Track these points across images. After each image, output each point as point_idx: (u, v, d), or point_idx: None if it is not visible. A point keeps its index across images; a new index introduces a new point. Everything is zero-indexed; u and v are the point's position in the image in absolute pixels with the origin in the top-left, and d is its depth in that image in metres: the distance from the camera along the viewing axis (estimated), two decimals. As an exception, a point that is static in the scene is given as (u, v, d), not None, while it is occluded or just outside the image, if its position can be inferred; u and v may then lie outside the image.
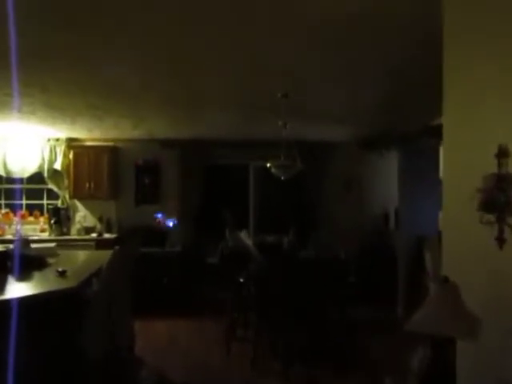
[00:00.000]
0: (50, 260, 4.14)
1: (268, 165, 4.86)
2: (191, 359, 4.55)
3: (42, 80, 3.96)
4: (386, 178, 7.00)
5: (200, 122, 5.79)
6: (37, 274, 3.58)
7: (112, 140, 6.76)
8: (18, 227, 6.51)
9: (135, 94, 4.46)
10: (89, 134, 6.44)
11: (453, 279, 2.20)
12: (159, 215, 6.71)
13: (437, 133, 5.59)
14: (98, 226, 6.68)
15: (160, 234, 6.51)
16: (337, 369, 4.27)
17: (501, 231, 2.37)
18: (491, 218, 2.37)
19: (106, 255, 4.15)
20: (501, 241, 2.38)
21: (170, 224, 6.66)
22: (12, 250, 3.89)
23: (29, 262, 3.72)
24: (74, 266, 4.01)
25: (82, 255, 4.72)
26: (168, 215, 6.74)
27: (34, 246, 4.54)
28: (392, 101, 4.74)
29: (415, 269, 6.21)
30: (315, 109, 5.14)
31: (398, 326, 5.67)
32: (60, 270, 3.51)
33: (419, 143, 6.02)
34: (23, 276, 3.49)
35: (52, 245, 4.63)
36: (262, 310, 4.42)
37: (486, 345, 2.06)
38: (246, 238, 5.05)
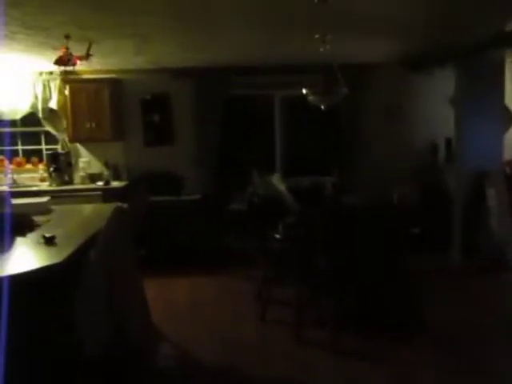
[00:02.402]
0: (41, 219, 3.34)
1: (304, 91, 3.86)
2: (219, 329, 3.82)
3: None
4: (435, 102, 5.94)
5: (215, 44, 4.73)
6: (17, 242, 2.78)
7: (114, 72, 5.76)
8: (9, 176, 5.72)
9: (133, 5, 3.43)
10: (86, 64, 5.43)
11: None
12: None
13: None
14: (105, 173, 5.85)
15: (175, 180, 5.66)
16: (394, 337, 3.51)
17: None
18: None
19: (111, 209, 3.34)
20: None
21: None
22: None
23: (8, 225, 2.91)
24: (68, 228, 3.20)
25: (81, 211, 3.92)
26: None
27: (22, 201, 3.76)
28: (458, 4, 3.61)
29: (475, 208, 5.32)
30: (358, 18, 4.03)
31: (459, 277, 5.00)
32: (47, 235, 2.71)
33: (484, 56, 4.88)
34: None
35: (45, 199, 3.81)
36: (303, 269, 3.61)
37: None
38: (278, 183, 4.16)
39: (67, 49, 4.18)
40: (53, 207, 3.89)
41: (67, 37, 4.11)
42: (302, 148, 6.31)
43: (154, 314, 3.94)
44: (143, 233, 3.55)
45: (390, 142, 5.98)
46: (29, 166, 5.99)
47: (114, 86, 5.68)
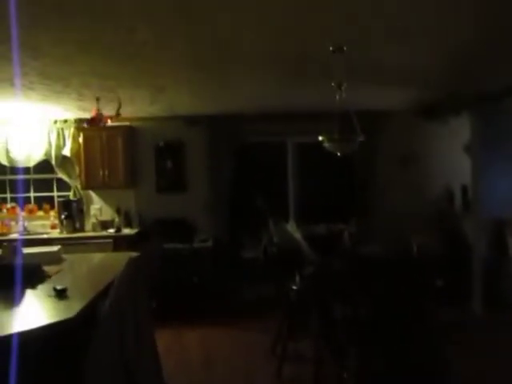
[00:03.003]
0: (51, 269, 3.24)
1: (320, 138, 3.82)
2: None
3: (33, 40, 3.02)
4: (450, 149, 5.90)
5: (229, 92, 4.77)
6: (27, 294, 2.68)
7: (128, 119, 5.81)
8: (21, 224, 5.68)
9: (150, 56, 3.48)
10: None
11: None
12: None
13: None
14: (116, 220, 5.78)
15: (187, 227, 5.58)
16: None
17: None
18: None
19: (123, 259, 3.23)
20: None
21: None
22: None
23: (18, 276, 2.81)
24: (79, 279, 3.11)
25: (92, 260, 3.81)
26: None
27: (33, 250, 3.67)
28: (473, 54, 3.63)
29: (495, 257, 5.17)
30: (373, 67, 4.07)
31: (482, 330, 4.75)
32: (58, 287, 2.61)
33: (500, 104, 4.87)
34: (4, 299, 2.61)
35: (56, 248, 3.73)
36: (322, 322, 3.44)
37: None
38: (294, 231, 4.06)
39: (98, 110, 4.56)
40: (64, 256, 3.81)
41: (98, 99, 4.25)
42: (316, 195, 6.24)
43: (165, 368, 3.76)
44: (155, 283, 3.43)
45: (406, 190, 5.90)
46: (40, 213, 5.95)
47: (128, 134, 5.72)
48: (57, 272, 3.19)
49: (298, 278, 3.51)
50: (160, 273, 3.79)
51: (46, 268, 3.23)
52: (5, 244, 3.03)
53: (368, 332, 3.24)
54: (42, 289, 2.77)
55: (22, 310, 2.39)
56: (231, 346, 4.39)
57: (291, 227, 4.11)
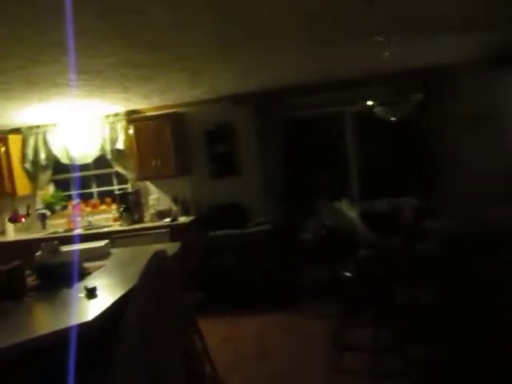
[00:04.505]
0: (93, 265, 3.19)
1: (370, 103, 3.41)
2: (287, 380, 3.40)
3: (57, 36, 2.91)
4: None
5: (268, 66, 4.44)
6: (59, 295, 2.62)
7: (175, 106, 5.70)
8: (85, 219, 5.85)
9: (172, 39, 3.25)
10: (147, 101, 5.43)
11: None
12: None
13: None
14: (174, 209, 5.73)
15: (243, 212, 5.38)
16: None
17: None
18: None
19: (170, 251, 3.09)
20: None
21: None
22: (39, 260, 2.99)
23: (55, 276, 2.78)
24: (119, 275, 3.01)
25: (141, 253, 3.73)
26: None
27: (80, 246, 3.67)
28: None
29: None
30: (422, 16, 3.50)
31: None
32: (89, 286, 2.52)
33: None
34: (39, 299, 2.57)
35: (102, 243, 3.70)
36: (382, 309, 3.08)
37: None
38: (348, 209, 3.69)
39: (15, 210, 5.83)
40: (112, 250, 3.78)
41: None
42: (379, 167, 5.73)
43: (221, 359, 3.65)
44: (199, 273, 3.27)
45: (481, 154, 5.19)
46: (103, 208, 6.08)
47: (176, 121, 5.60)
48: (98, 268, 3.13)
49: (350, 263, 3.17)
50: (205, 262, 3.64)
51: (90, 264, 3.20)
52: (43, 244, 3.01)
53: (433, 318, 2.84)
54: (77, 288, 2.71)
55: (45, 313, 2.33)
56: (289, 335, 4.16)
57: (345, 206, 3.73)
